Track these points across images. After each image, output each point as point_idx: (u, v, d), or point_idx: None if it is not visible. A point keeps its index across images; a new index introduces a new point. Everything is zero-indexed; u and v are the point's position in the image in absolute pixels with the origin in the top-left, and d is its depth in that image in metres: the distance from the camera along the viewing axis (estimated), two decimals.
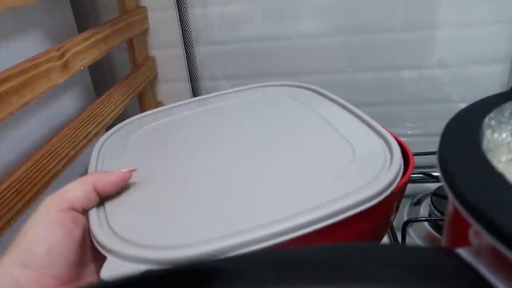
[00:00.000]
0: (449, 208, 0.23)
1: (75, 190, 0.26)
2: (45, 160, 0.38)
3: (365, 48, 0.63)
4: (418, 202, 0.56)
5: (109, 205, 0.27)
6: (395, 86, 0.65)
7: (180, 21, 0.63)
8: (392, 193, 0.26)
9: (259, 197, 0.27)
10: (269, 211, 0.25)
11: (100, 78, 0.66)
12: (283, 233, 0.23)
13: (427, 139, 0.68)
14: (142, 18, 0.61)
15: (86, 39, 0.45)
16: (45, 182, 0.37)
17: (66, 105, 0.53)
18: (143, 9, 0.61)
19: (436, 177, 0.56)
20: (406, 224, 0.46)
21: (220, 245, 0.22)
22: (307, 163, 0.30)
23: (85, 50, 0.45)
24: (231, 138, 0.35)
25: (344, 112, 0.37)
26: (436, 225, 0.49)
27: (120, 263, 0.22)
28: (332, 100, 0.40)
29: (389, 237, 0.49)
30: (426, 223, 0.50)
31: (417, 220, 0.49)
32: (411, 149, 0.63)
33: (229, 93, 0.44)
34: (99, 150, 0.35)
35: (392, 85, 0.65)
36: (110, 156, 0.34)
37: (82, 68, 0.44)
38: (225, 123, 0.38)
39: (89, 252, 0.26)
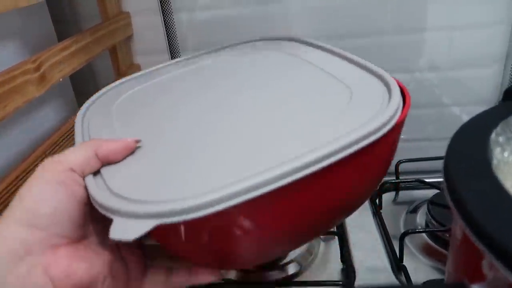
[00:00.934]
0: (457, 234, 0.22)
1: (75, 154, 0.25)
2: (21, 182, 0.35)
3: (355, 52, 0.61)
4: (415, 210, 0.54)
5: (104, 168, 0.26)
6: None
7: (165, 27, 0.60)
8: (393, 128, 0.26)
9: (261, 142, 0.26)
10: (275, 154, 0.24)
11: (83, 87, 0.63)
12: (293, 172, 0.23)
13: (420, 144, 0.67)
14: (125, 24, 0.58)
15: (64, 48, 0.43)
16: None
17: (47, 117, 0.50)
18: (126, 15, 0.59)
19: (430, 184, 0.55)
20: (403, 236, 0.45)
21: (229, 190, 0.22)
22: (307, 107, 0.30)
23: (63, 61, 0.42)
24: (223, 92, 0.34)
25: (335, 57, 0.37)
26: (433, 235, 0.48)
27: (126, 221, 0.22)
28: (320, 47, 0.39)
29: (386, 248, 0.48)
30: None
31: (414, 232, 0.47)
32: (404, 155, 0.62)
33: (212, 51, 0.44)
34: (82, 118, 0.33)
35: None
36: (95, 124, 0.32)
37: (61, 79, 0.42)
38: (214, 79, 0.37)
39: (91, 213, 0.26)
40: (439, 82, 0.62)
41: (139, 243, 0.29)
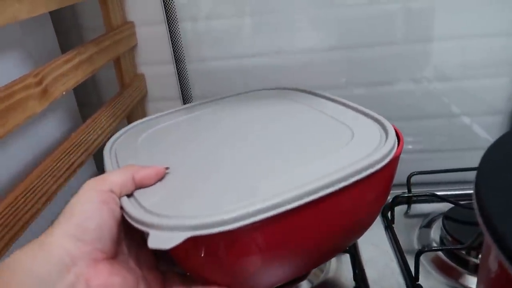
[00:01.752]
0: (493, 266, 0.20)
1: (116, 177, 0.28)
2: (22, 200, 0.34)
3: (362, 62, 0.60)
4: (428, 225, 0.53)
5: (136, 191, 0.29)
6: (394, 101, 0.62)
7: (171, 37, 0.59)
8: (391, 161, 0.31)
9: (273, 169, 0.30)
10: (287, 179, 0.28)
11: (86, 98, 0.62)
12: (301, 197, 0.26)
13: (429, 155, 0.65)
14: (130, 34, 0.57)
15: (67, 61, 0.41)
16: (22, 225, 0.33)
17: (49, 130, 0.49)
18: (131, 25, 0.58)
19: (444, 197, 0.53)
20: (419, 254, 0.43)
21: (252, 208, 0.25)
22: (312, 143, 0.34)
23: (66, 74, 0.41)
24: (237, 131, 0.38)
25: (336, 104, 0.41)
26: (450, 252, 0.46)
27: (162, 234, 0.24)
28: (322, 96, 0.44)
29: (401, 266, 0.46)
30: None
31: (430, 250, 0.45)
32: (415, 167, 0.60)
33: (225, 97, 0.48)
34: (110, 151, 0.36)
35: (391, 100, 0.62)
36: (122, 156, 0.35)
37: (64, 93, 0.40)
38: (228, 121, 0.41)
39: (122, 233, 0.29)
40: (449, 92, 0.61)
41: (157, 264, 0.31)
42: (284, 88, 0.50)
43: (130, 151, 0.37)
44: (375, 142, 0.32)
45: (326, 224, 0.30)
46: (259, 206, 0.25)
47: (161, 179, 0.30)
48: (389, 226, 0.53)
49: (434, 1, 0.55)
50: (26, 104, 0.35)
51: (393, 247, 0.49)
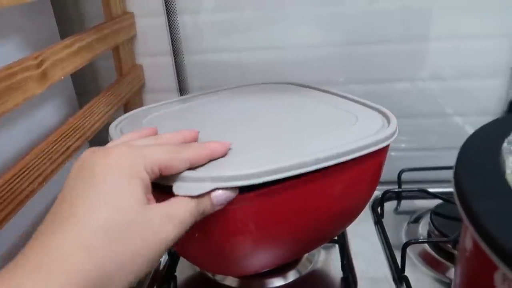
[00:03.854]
0: (468, 246, 0.21)
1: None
2: (19, 178, 0.35)
3: (360, 60, 0.61)
4: (417, 220, 0.54)
5: None
6: (389, 98, 0.63)
7: (169, 28, 0.60)
8: (389, 144, 0.34)
9: (289, 142, 0.32)
10: (304, 149, 0.30)
11: (84, 86, 0.63)
12: (324, 160, 0.29)
13: (421, 153, 0.66)
14: (129, 25, 0.58)
15: (67, 46, 0.42)
16: (18, 202, 0.34)
17: (46, 116, 0.49)
18: (130, 15, 0.58)
19: (433, 194, 0.54)
20: (406, 246, 0.44)
21: (275, 166, 0.27)
22: (318, 124, 0.36)
23: (66, 59, 0.42)
24: (243, 115, 0.40)
25: (339, 97, 0.43)
26: (436, 246, 0.47)
27: (184, 184, 0.26)
28: (323, 90, 0.46)
29: (388, 258, 0.47)
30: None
31: (417, 242, 0.46)
32: (406, 164, 0.61)
33: (225, 89, 0.50)
34: (115, 130, 0.38)
35: (386, 97, 0.63)
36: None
37: (62, 78, 0.41)
38: (234, 108, 0.43)
39: None
40: (443, 92, 0.62)
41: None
42: (284, 83, 0.51)
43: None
44: (378, 125, 0.35)
45: (327, 198, 0.32)
46: (279, 165, 0.27)
47: None
48: (378, 221, 0.54)
49: (432, 2, 0.56)
50: (26, 85, 0.35)
51: (382, 240, 0.50)
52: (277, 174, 0.27)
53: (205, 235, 0.29)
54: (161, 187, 0.26)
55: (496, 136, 0.25)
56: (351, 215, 0.39)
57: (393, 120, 0.36)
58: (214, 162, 0.28)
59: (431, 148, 0.66)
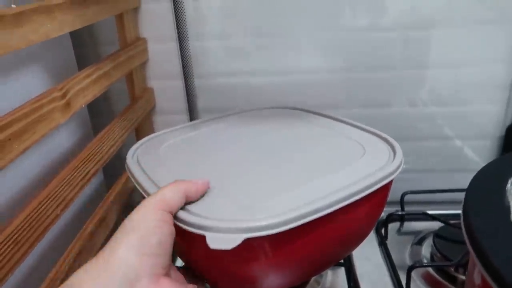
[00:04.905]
0: (477, 280, 0.23)
1: (173, 195, 0.29)
2: (44, 206, 0.36)
3: (361, 84, 0.63)
4: (420, 242, 0.55)
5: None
6: (391, 122, 0.65)
7: (181, 53, 0.62)
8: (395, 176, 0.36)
9: (302, 179, 0.33)
10: (316, 188, 0.32)
11: (97, 108, 0.64)
12: (342, 200, 0.31)
13: (422, 175, 0.68)
14: (142, 50, 0.60)
15: (87, 76, 0.44)
16: (43, 229, 0.36)
17: (63, 138, 0.51)
18: (143, 41, 0.61)
19: (434, 217, 0.56)
20: (410, 269, 0.46)
21: (291, 215, 0.28)
22: (332, 158, 0.38)
23: (86, 88, 0.44)
24: (253, 145, 0.42)
25: (343, 124, 0.45)
26: (439, 269, 0.49)
27: (219, 236, 0.27)
28: (328, 116, 0.48)
29: (393, 281, 0.49)
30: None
31: (421, 266, 0.48)
32: (408, 186, 0.63)
33: (233, 114, 0.52)
34: (132, 158, 0.39)
35: (388, 121, 0.65)
36: (147, 165, 0.38)
37: (83, 106, 0.43)
38: (242, 137, 0.44)
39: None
40: (443, 116, 0.64)
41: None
42: (290, 107, 0.53)
43: (153, 159, 0.39)
44: (385, 157, 0.37)
45: (339, 231, 0.34)
46: (303, 211, 0.29)
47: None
48: (382, 242, 0.55)
49: (430, 31, 0.59)
50: (52, 116, 0.37)
51: (386, 262, 0.52)
52: (300, 220, 0.28)
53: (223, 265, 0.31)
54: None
55: (500, 176, 0.27)
56: (359, 240, 0.40)
57: (399, 151, 0.38)
58: (242, 209, 0.30)
59: (431, 170, 0.68)
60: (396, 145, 0.39)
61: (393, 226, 0.60)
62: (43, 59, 0.48)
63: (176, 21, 0.60)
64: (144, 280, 0.25)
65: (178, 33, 0.61)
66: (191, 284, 0.31)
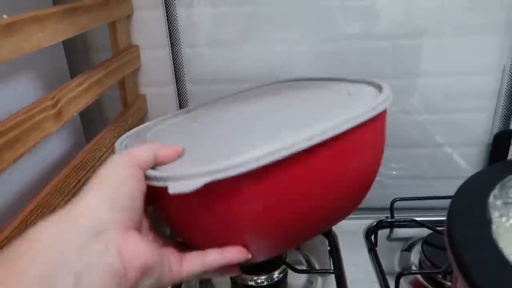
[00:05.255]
0: None
1: (142, 154, 0.29)
2: (35, 215, 0.36)
3: None
4: (409, 249, 0.56)
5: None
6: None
7: (173, 59, 0.62)
8: (385, 110, 0.34)
9: (276, 130, 0.33)
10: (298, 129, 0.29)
11: (89, 115, 0.64)
12: (310, 138, 0.28)
13: (412, 182, 0.69)
14: (135, 57, 0.60)
15: (79, 84, 0.44)
16: None
17: (56, 146, 0.51)
18: (136, 48, 0.61)
19: (423, 223, 0.57)
20: (399, 276, 0.46)
21: (265, 150, 0.26)
22: (310, 109, 0.37)
23: (78, 96, 0.44)
24: (243, 116, 0.41)
25: (328, 81, 0.45)
26: (427, 276, 0.50)
27: (181, 182, 0.26)
28: (314, 78, 0.48)
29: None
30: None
31: (410, 273, 0.49)
32: (398, 192, 0.64)
33: (224, 97, 0.52)
34: (120, 146, 0.39)
35: None
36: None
37: (75, 114, 0.43)
38: (233, 110, 0.44)
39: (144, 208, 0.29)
40: (434, 123, 0.65)
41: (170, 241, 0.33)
42: (281, 81, 0.54)
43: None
44: (371, 95, 0.35)
45: (328, 173, 0.31)
46: (270, 148, 0.26)
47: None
48: (372, 249, 0.56)
49: (421, 41, 0.60)
50: (43, 125, 0.37)
51: (376, 269, 0.53)
52: (264, 159, 0.26)
53: (224, 206, 0.29)
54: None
55: (483, 189, 0.28)
56: (352, 193, 0.36)
57: (386, 86, 0.36)
58: (209, 161, 0.28)
59: (421, 177, 0.69)
60: (383, 84, 0.37)
61: (382, 233, 0.61)
62: (35, 66, 0.48)
63: (169, 28, 0.60)
64: (112, 232, 0.24)
65: (170, 40, 0.61)
66: (171, 247, 0.30)
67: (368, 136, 0.33)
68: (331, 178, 0.32)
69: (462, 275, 0.21)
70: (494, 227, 0.24)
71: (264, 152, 0.26)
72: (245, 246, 0.31)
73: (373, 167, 0.36)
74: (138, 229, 0.28)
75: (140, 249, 0.25)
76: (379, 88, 0.37)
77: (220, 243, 0.31)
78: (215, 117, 0.44)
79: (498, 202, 0.26)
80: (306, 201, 0.31)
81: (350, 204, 0.37)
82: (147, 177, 0.28)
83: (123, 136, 0.42)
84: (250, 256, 0.31)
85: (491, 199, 0.26)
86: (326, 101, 0.38)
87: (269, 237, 0.32)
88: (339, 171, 0.32)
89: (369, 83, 0.39)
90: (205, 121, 0.44)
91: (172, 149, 0.31)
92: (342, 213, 0.38)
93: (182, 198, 0.26)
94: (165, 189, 0.27)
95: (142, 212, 0.28)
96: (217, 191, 0.28)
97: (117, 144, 0.39)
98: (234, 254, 0.30)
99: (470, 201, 0.27)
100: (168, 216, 0.33)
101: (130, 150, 0.29)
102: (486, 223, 0.24)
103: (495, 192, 0.27)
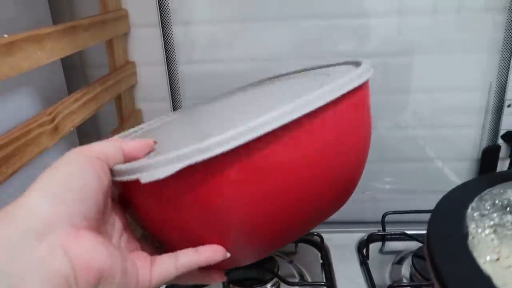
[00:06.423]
0: None
1: (103, 146, 0.26)
2: None
3: None
4: (400, 262, 0.57)
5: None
6: (374, 143, 0.67)
7: (169, 76, 0.64)
8: (364, 85, 0.32)
9: (262, 107, 0.32)
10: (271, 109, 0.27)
11: (84, 129, 0.66)
12: (280, 117, 0.25)
13: (404, 196, 0.70)
14: (131, 74, 0.62)
15: (76, 100, 0.45)
16: None
17: (51, 161, 0.52)
18: (132, 64, 0.62)
19: (413, 237, 0.58)
20: None
21: (236, 131, 0.24)
22: (297, 88, 0.37)
23: (75, 111, 0.45)
24: (228, 104, 0.42)
25: (313, 70, 0.45)
26: None
27: (154, 170, 0.24)
28: (301, 70, 0.48)
29: None
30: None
31: (400, 286, 0.49)
32: (390, 206, 0.64)
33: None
34: None
35: (372, 142, 0.67)
36: None
37: (71, 129, 0.44)
38: (219, 103, 0.45)
39: (109, 208, 0.27)
40: (425, 138, 0.66)
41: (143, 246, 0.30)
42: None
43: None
44: (350, 71, 0.32)
45: (308, 160, 0.28)
46: (240, 129, 0.24)
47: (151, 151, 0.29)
48: (364, 262, 0.57)
49: (412, 58, 0.62)
50: (40, 140, 0.38)
51: (367, 281, 0.53)
52: (238, 139, 0.24)
53: (198, 198, 0.27)
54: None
55: (462, 201, 0.29)
56: (349, 175, 0.34)
57: (364, 61, 0.34)
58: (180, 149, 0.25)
59: (413, 191, 0.70)
60: (361, 60, 0.35)
61: (374, 246, 0.61)
62: (34, 82, 0.49)
63: (165, 45, 0.62)
64: (58, 232, 0.21)
65: (166, 57, 0.63)
66: (141, 252, 0.28)
67: (348, 112, 0.30)
68: (312, 161, 0.29)
69: (440, 286, 0.22)
70: (470, 238, 0.25)
71: (237, 131, 0.24)
72: (224, 244, 0.28)
73: (359, 152, 0.34)
74: (97, 228, 0.24)
75: (93, 250, 0.22)
76: (355, 62, 0.37)
77: (196, 243, 0.28)
78: (198, 110, 0.45)
79: (475, 214, 0.27)
80: (289, 187, 0.28)
81: (339, 193, 0.34)
82: (115, 173, 0.26)
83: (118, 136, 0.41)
84: (228, 255, 0.28)
85: (469, 211, 0.27)
86: (305, 84, 0.37)
87: (249, 232, 0.29)
88: (320, 152, 0.29)
89: (351, 63, 0.38)
90: (186, 115, 0.44)
91: (141, 141, 0.28)
92: (330, 206, 0.34)
93: (154, 190, 0.25)
94: (136, 182, 0.24)
95: (104, 210, 0.26)
96: (192, 178, 0.25)
97: None
98: (210, 252, 0.28)
99: (449, 213, 0.28)
100: (140, 214, 0.30)
101: (91, 144, 0.26)
102: (463, 235, 0.25)
103: (473, 204, 0.28)
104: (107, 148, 0.26)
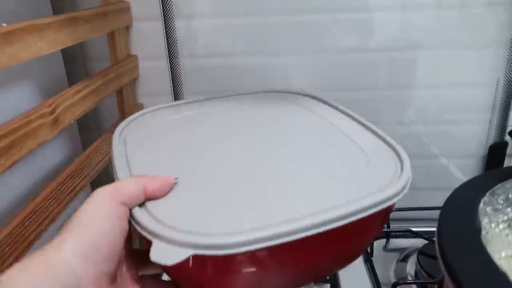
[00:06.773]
0: None
1: (129, 188, 0.26)
2: (29, 221, 0.36)
3: (349, 103, 0.64)
4: (405, 259, 0.56)
5: (148, 202, 0.28)
6: None
7: (171, 71, 0.63)
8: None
9: (285, 194, 0.29)
10: (299, 206, 0.27)
11: (86, 123, 0.65)
12: (313, 227, 0.25)
13: (409, 192, 0.69)
14: (133, 67, 0.61)
15: (77, 92, 0.45)
16: (27, 245, 0.36)
17: (53, 154, 0.51)
18: (134, 58, 0.62)
19: (419, 234, 0.57)
20: (394, 287, 0.46)
21: (261, 234, 0.24)
22: (325, 164, 0.33)
23: (76, 103, 0.44)
24: (245, 136, 0.38)
25: (348, 119, 0.40)
26: (422, 286, 0.49)
27: (166, 247, 0.23)
28: (335, 107, 0.44)
29: None
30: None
31: (405, 283, 0.49)
32: (395, 204, 0.64)
33: (228, 96, 0.49)
34: (119, 137, 0.38)
35: None
36: (132, 148, 0.36)
37: (72, 121, 0.43)
38: (236, 123, 0.41)
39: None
40: (430, 135, 0.65)
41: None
42: (289, 92, 0.50)
43: (139, 142, 0.37)
44: (390, 172, 0.31)
45: (327, 252, 0.30)
46: (267, 232, 0.24)
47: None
48: (368, 259, 0.56)
49: (416, 53, 0.61)
50: (39, 132, 0.38)
51: (371, 279, 0.52)
52: (263, 243, 0.24)
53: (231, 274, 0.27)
54: None
55: (473, 196, 0.28)
56: (351, 259, 0.35)
57: (407, 164, 0.32)
58: (203, 218, 0.26)
59: (418, 188, 0.69)
60: (405, 157, 0.33)
61: (379, 243, 0.60)
62: (34, 74, 0.48)
63: (167, 39, 0.61)
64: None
65: (168, 51, 0.62)
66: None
67: (381, 216, 0.30)
68: (328, 257, 0.30)
69: (452, 282, 0.21)
70: (483, 233, 0.24)
71: (264, 234, 0.24)
72: None
73: (371, 240, 0.35)
74: (114, 280, 0.25)
75: None
76: (400, 158, 0.33)
77: None
78: (216, 124, 0.41)
79: (488, 209, 0.26)
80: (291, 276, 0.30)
81: (343, 264, 0.35)
82: (134, 218, 0.26)
83: (120, 127, 0.40)
84: None
85: (481, 205, 0.27)
86: (342, 155, 0.34)
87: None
88: (332, 252, 0.30)
89: (389, 146, 0.35)
90: (205, 125, 0.41)
91: (163, 180, 0.28)
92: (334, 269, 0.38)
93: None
94: (149, 241, 0.24)
95: (120, 257, 0.26)
96: (200, 264, 0.25)
97: (115, 136, 0.38)
98: None
99: (460, 208, 0.27)
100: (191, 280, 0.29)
101: (116, 183, 0.26)
102: (475, 229, 0.24)
103: (485, 199, 0.27)
104: (131, 188, 0.26)
